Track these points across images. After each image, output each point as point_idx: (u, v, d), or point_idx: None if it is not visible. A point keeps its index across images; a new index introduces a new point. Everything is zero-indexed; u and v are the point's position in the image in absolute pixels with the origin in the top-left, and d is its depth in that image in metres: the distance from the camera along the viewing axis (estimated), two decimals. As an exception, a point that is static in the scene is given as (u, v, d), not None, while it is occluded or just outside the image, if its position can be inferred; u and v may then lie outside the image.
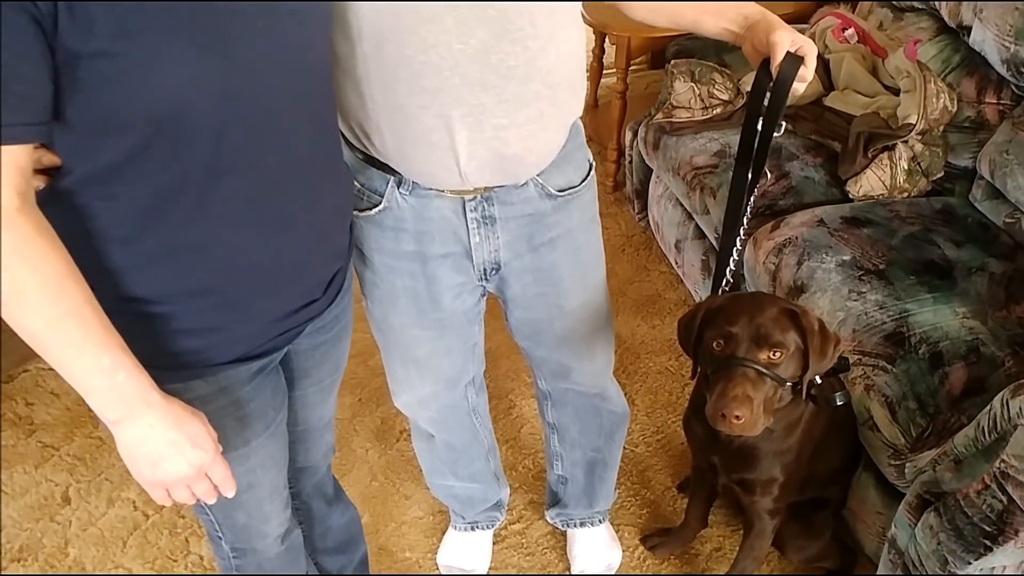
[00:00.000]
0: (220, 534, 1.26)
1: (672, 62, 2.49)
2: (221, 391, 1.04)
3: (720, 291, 1.46)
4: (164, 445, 0.92)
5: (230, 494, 1.01)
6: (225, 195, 0.92)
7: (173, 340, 0.98)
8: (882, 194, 2.09)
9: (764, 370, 1.28)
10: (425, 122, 1.10)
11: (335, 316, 1.19)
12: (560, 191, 1.31)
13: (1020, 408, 1.31)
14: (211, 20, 0.85)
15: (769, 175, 2.14)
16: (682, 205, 2.47)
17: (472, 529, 1.89)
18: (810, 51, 1.20)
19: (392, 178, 1.22)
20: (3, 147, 0.78)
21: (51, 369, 2.84)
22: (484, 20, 1.03)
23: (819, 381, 1.39)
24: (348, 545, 1.64)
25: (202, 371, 1.02)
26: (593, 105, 3.34)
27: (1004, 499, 1.32)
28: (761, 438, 1.40)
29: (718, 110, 2.41)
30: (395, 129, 1.13)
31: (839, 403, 1.40)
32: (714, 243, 2.25)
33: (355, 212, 1.25)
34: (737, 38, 1.26)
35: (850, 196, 2.11)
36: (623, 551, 1.92)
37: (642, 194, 2.79)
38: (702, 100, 2.41)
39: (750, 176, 1.36)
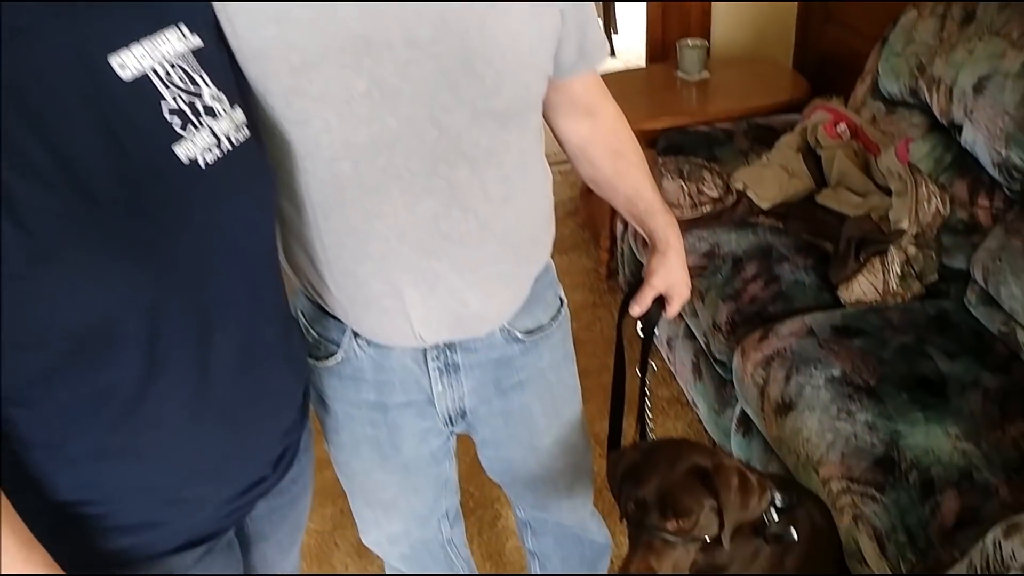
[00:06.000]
0: None
1: (660, 159, 2.46)
2: None
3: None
4: None
5: None
6: (158, 397, 0.87)
7: (110, 538, 0.92)
8: (875, 300, 2.04)
9: (672, 538, 1.24)
10: (374, 287, 1.07)
11: (291, 479, 1.13)
12: (528, 332, 1.27)
13: (1013, 551, 1.25)
14: (139, 230, 0.79)
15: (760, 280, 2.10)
16: (673, 302, 2.42)
17: None
18: (677, 298, 1.37)
19: (349, 328, 1.18)
20: None
21: None
22: (431, 190, 1.00)
23: (776, 519, 1.35)
24: None
25: (144, 564, 0.96)
26: (587, 191, 3.32)
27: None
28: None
29: (707, 208, 2.38)
30: (346, 292, 1.09)
31: (794, 539, 1.37)
32: (703, 346, 2.20)
33: (313, 361, 1.21)
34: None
35: (842, 301, 2.07)
36: None
37: (635, 287, 2.74)
38: (691, 198, 2.38)
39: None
